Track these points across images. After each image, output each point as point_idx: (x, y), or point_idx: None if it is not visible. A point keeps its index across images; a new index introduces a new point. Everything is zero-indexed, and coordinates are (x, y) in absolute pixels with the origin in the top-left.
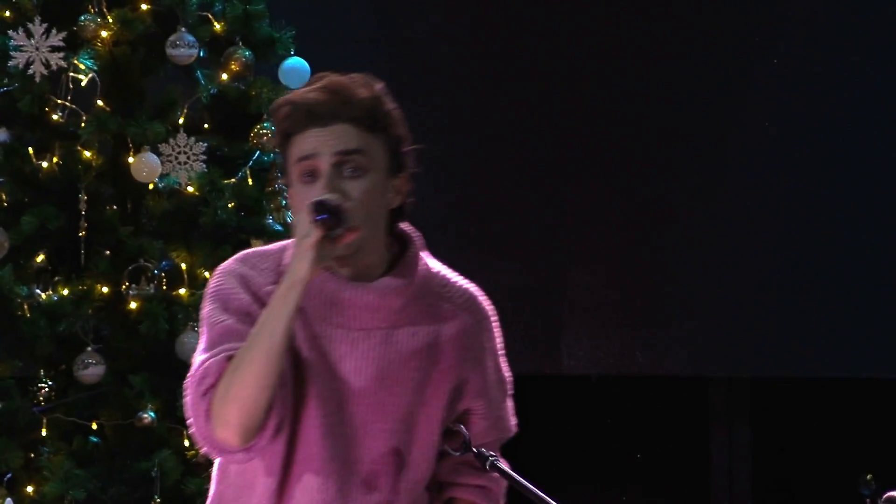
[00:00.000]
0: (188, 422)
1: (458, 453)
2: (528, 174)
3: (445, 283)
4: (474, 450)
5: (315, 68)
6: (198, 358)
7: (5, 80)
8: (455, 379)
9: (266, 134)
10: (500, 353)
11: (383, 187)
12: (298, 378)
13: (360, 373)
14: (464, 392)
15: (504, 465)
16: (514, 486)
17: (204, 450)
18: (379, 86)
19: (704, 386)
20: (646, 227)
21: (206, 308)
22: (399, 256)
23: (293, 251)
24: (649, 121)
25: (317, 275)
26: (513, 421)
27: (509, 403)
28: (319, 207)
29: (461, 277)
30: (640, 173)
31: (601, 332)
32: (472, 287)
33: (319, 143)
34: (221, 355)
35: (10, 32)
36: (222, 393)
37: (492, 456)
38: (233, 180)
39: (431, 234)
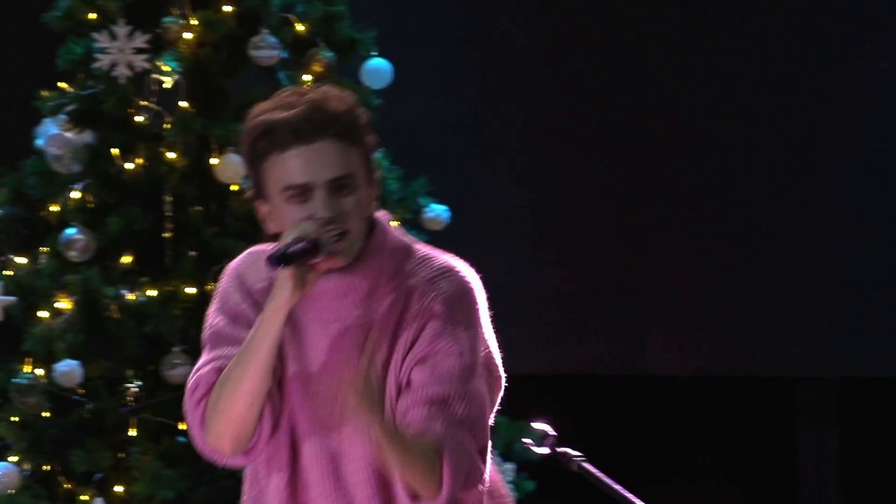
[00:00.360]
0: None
1: (544, 452)
2: (613, 173)
3: (424, 261)
4: (559, 450)
5: (397, 68)
6: (202, 353)
7: (90, 83)
8: (408, 344)
9: None
10: (461, 311)
11: (367, 197)
12: (290, 373)
13: (338, 362)
14: (408, 357)
15: (590, 467)
16: (599, 487)
17: (205, 455)
18: (350, 96)
19: (791, 387)
20: (732, 226)
21: (211, 308)
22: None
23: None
24: (737, 120)
25: (300, 297)
26: (460, 409)
27: (462, 369)
28: (278, 261)
29: (450, 256)
30: (727, 172)
31: (687, 333)
32: (454, 263)
33: (309, 168)
34: (210, 366)
35: (95, 35)
36: (212, 405)
37: (578, 457)
38: None
39: (515, 232)
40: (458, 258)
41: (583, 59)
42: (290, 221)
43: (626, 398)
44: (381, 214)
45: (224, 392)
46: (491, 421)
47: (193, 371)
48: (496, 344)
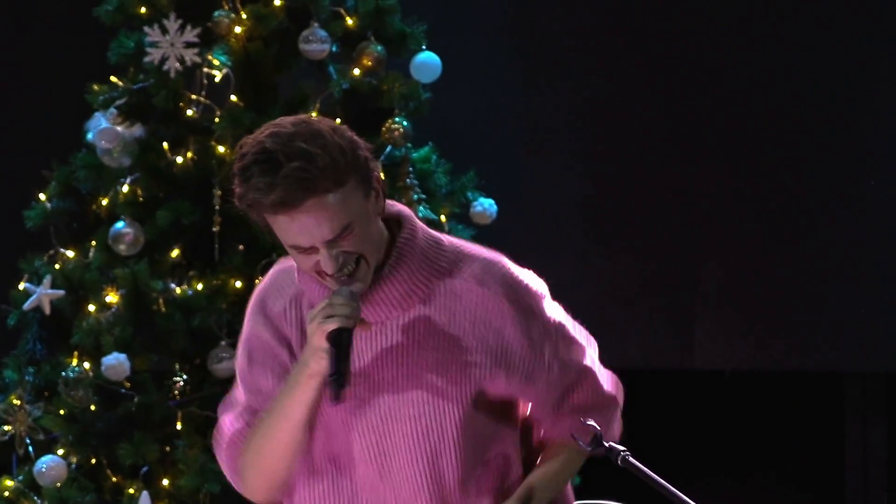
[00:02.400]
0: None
1: (588, 448)
2: (661, 166)
3: (460, 257)
4: (606, 444)
5: (447, 62)
6: (227, 410)
7: (141, 77)
8: (481, 352)
9: (398, 129)
10: (532, 298)
11: (370, 216)
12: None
13: (381, 365)
14: (509, 367)
15: (635, 461)
16: (645, 481)
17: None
18: (324, 128)
19: (839, 382)
20: (780, 222)
21: (239, 346)
22: (394, 240)
23: (308, 334)
24: (785, 115)
25: None
26: (586, 359)
27: (571, 345)
28: (341, 384)
29: (480, 248)
30: (774, 167)
31: (735, 327)
32: (490, 255)
33: (306, 233)
34: (241, 424)
35: (146, 29)
36: (246, 461)
37: (623, 451)
38: None
39: (564, 226)
40: (483, 248)
41: (633, 51)
42: (296, 261)
43: (674, 392)
44: (404, 209)
45: (257, 450)
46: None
47: (223, 407)
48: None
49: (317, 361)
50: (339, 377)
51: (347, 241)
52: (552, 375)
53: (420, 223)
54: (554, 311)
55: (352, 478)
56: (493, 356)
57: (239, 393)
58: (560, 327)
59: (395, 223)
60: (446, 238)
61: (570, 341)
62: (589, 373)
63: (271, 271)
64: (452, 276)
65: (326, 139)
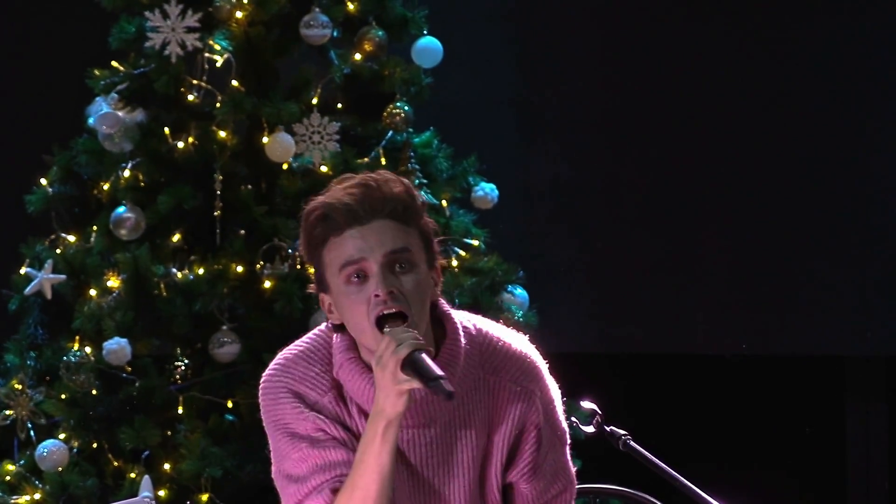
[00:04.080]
0: None
1: (591, 431)
2: (662, 149)
3: (494, 352)
4: (607, 429)
5: (448, 47)
6: (290, 488)
7: (142, 62)
8: (506, 449)
9: (399, 114)
10: (553, 405)
11: (427, 279)
12: None
13: (423, 466)
14: (516, 461)
15: (637, 445)
16: (646, 465)
17: None
18: (405, 180)
19: (840, 365)
20: (781, 205)
21: (276, 438)
22: (441, 340)
23: (378, 382)
24: (783, 98)
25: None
26: (572, 470)
27: (566, 454)
28: (448, 394)
29: (508, 335)
30: (776, 150)
31: (736, 311)
32: (520, 347)
33: (365, 245)
34: (327, 490)
35: (147, 14)
36: None
37: (624, 435)
38: (366, 160)
39: (564, 210)
40: (521, 337)
41: (632, 36)
42: (349, 306)
43: (675, 377)
44: (444, 306)
45: None
46: None
47: (297, 499)
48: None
49: (392, 405)
50: (436, 379)
51: (403, 276)
52: (546, 479)
53: (458, 322)
54: (561, 413)
55: None
56: (510, 455)
57: (299, 473)
58: (564, 436)
59: (439, 324)
60: (483, 325)
61: (566, 449)
62: (571, 486)
63: (279, 371)
64: (492, 374)
65: (409, 186)
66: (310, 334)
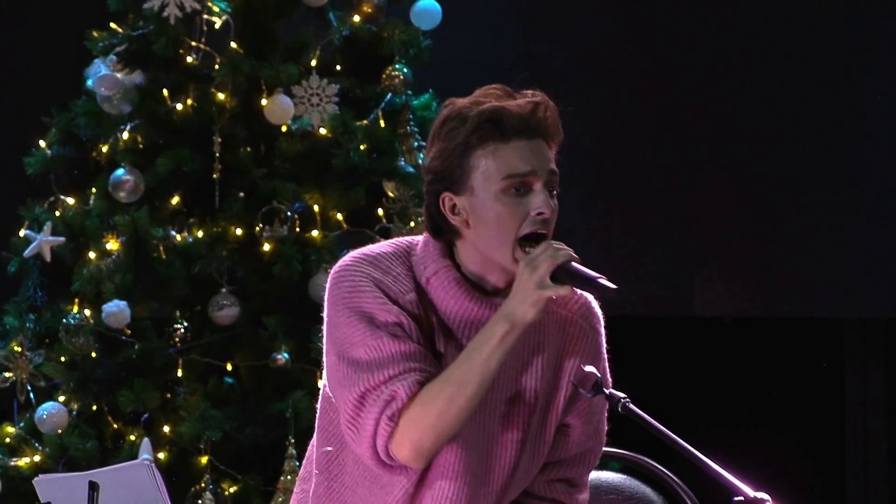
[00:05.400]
0: (353, 432)
1: (590, 395)
2: (661, 113)
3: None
4: (606, 391)
5: (447, 9)
6: (357, 375)
7: (140, 23)
8: (571, 374)
9: (398, 76)
10: (605, 356)
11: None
12: None
13: (494, 387)
14: (577, 398)
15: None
16: (645, 428)
17: (365, 457)
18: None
19: (838, 327)
20: (780, 167)
21: (348, 323)
22: None
23: (520, 284)
24: (782, 69)
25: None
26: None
27: (605, 413)
28: (597, 279)
29: None
30: (774, 113)
31: (735, 274)
32: (586, 295)
33: (535, 160)
34: (411, 379)
35: None
36: (419, 419)
37: (623, 398)
38: (365, 122)
39: (565, 174)
40: None
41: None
42: (499, 216)
43: (674, 339)
44: None
45: (441, 409)
46: None
47: (376, 383)
48: None
49: (525, 311)
50: (595, 280)
51: (552, 197)
52: (592, 426)
53: None
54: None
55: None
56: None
57: (373, 358)
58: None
59: None
60: None
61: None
62: (601, 447)
63: (360, 260)
64: (561, 308)
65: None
66: (384, 243)
